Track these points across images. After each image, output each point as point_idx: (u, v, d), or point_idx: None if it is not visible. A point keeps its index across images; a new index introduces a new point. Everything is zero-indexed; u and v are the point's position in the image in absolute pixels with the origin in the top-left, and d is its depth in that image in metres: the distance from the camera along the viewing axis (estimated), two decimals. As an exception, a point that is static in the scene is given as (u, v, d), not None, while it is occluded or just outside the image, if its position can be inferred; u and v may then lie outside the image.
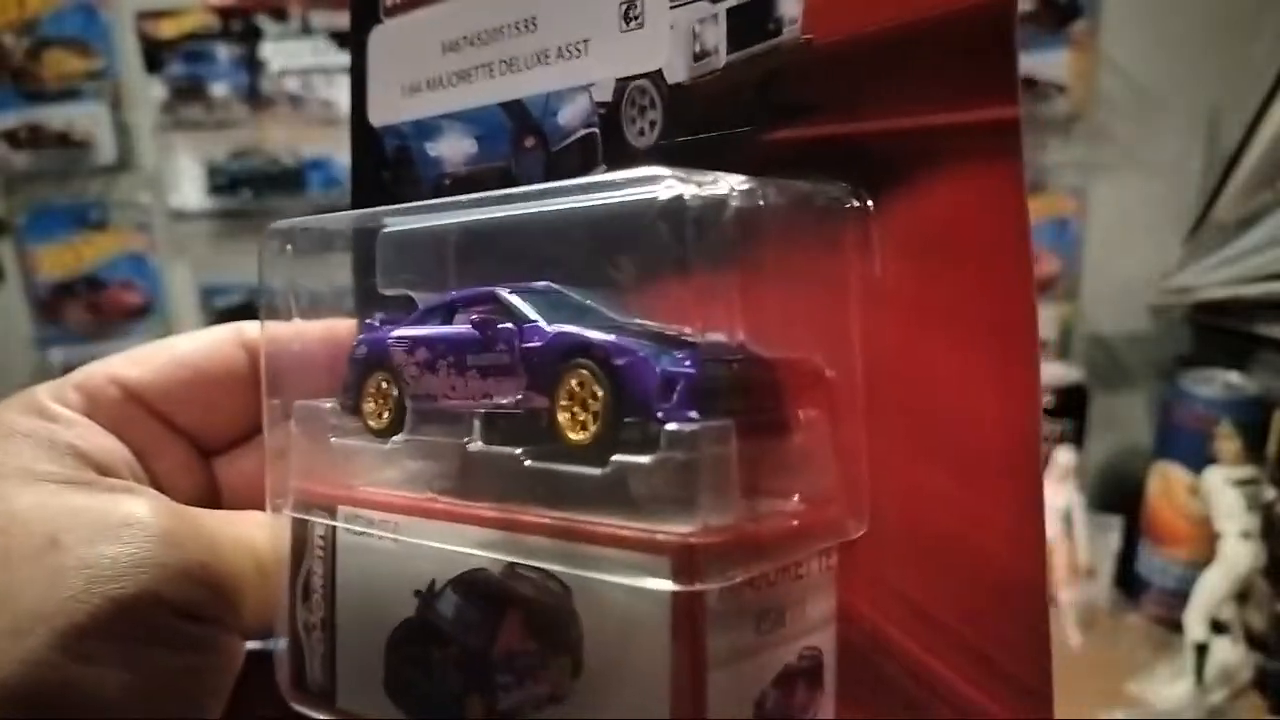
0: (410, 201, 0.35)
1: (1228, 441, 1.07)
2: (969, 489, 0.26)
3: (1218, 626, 1.03)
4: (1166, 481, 1.19)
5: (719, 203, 0.25)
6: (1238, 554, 1.03)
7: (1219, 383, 1.17)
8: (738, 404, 0.26)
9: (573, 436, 0.27)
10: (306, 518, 0.33)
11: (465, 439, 0.30)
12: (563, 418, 0.27)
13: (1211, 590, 1.03)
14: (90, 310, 1.69)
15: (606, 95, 0.32)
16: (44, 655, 0.25)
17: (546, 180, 0.33)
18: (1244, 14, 1.27)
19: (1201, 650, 1.03)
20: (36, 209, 1.67)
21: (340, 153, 1.57)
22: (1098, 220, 1.42)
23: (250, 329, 0.36)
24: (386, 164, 0.38)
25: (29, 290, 1.70)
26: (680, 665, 0.24)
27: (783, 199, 0.27)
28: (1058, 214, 1.43)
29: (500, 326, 0.29)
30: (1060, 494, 1.17)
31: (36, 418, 0.32)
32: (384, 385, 0.33)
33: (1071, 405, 1.28)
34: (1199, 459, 1.11)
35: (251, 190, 1.62)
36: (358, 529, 0.31)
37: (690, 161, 0.28)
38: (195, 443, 0.36)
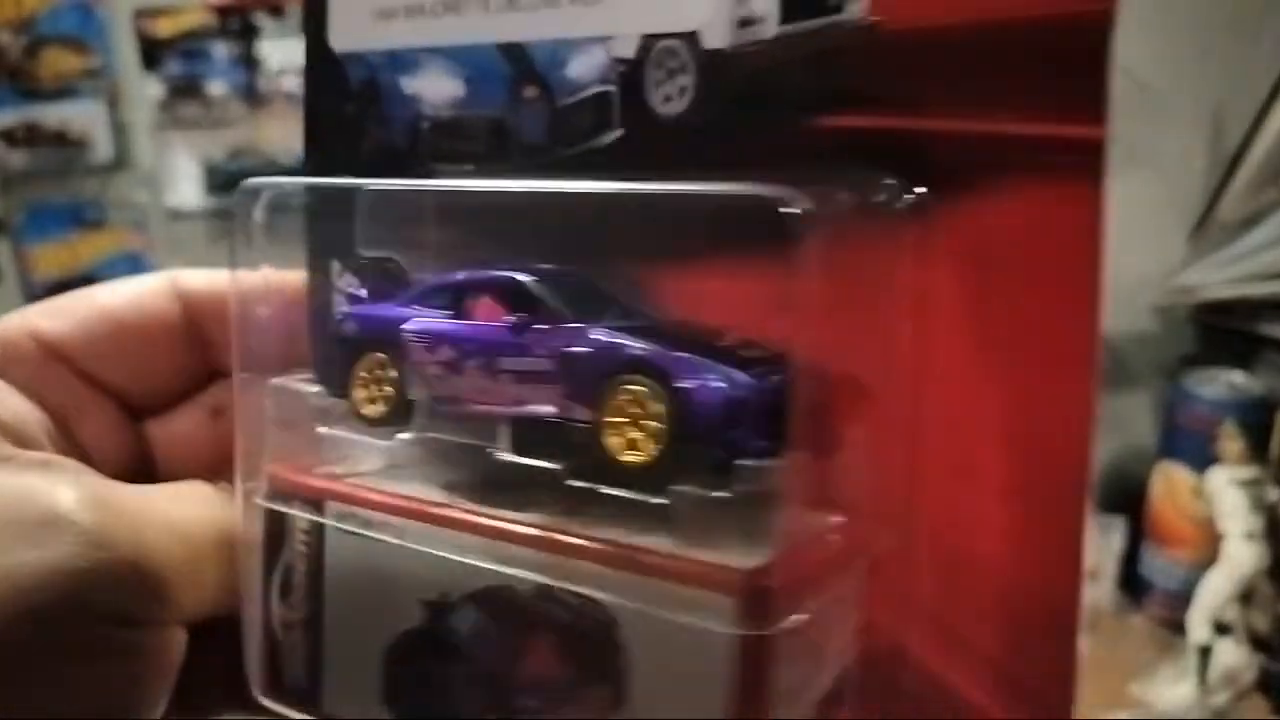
0: (373, 137, 0.32)
1: (1232, 442, 1.06)
2: (1010, 511, 0.24)
3: (1221, 628, 1.03)
4: (1170, 482, 1.19)
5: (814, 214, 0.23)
6: (1241, 555, 1.02)
7: (1223, 383, 1.16)
8: (793, 426, 0.24)
9: (624, 457, 0.26)
10: (285, 510, 0.31)
11: (489, 445, 0.28)
12: (612, 436, 0.26)
13: (1215, 591, 1.03)
14: (87, 310, 1.68)
15: (628, 52, 0.29)
16: None
17: (547, 135, 0.30)
18: (1247, 12, 1.27)
19: (1205, 652, 1.02)
20: (33, 208, 1.66)
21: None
22: (1100, 219, 1.41)
23: (188, 279, 0.33)
24: (349, 95, 0.34)
25: (25, 289, 1.69)
26: (743, 707, 0.23)
27: (845, 201, 0.25)
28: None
29: (538, 329, 0.27)
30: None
31: None
32: (380, 371, 0.30)
33: (1074, 405, 1.27)
34: (1203, 460, 1.10)
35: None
36: (352, 528, 0.29)
37: (727, 137, 0.27)
38: (123, 404, 0.33)
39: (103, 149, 1.63)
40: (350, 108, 0.34)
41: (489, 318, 0.29)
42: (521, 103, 0.31)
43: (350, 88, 0.34)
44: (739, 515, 0.24)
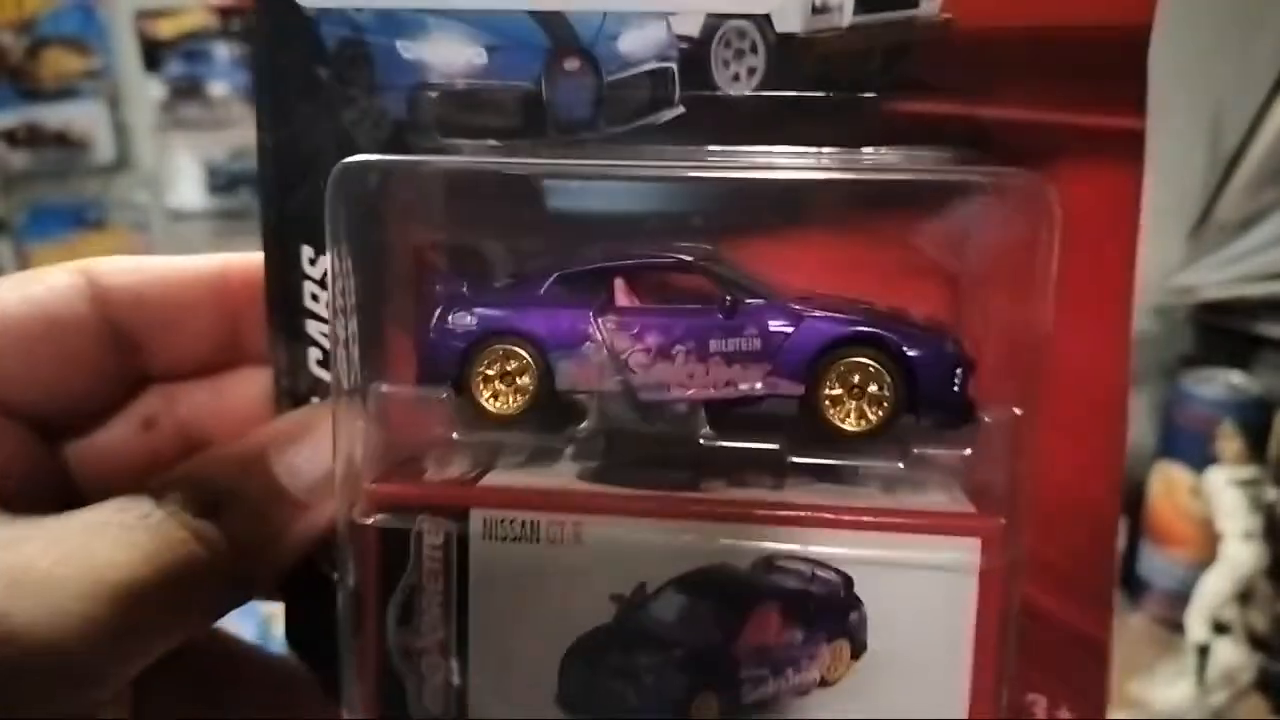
0: (356, 106, 0.29)
1: (1230, 442, 1.06)
2: (1070, 439, 0.28)
3: (1219, 627, 1.03)
4: (1168, 482, 1.19)
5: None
6: (1240, 555, 1.02)
7: (1221, 383, 1.16)
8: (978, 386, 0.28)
9: (848, 427, 0.28)
10: (405, 526, 0.28)
11: (690, 431, 0.28)
12: (835, 408, 0.28)
13: (1213, 591, 1.03)
14: (89, 310, 1.68)
15: (692, 30, 0.28)
16: None
17: (593, 110, 0.29)
18: (1246, 12, 1.27)
19: (1203, 651, 1.03)
20: (34, 208, 1.66)
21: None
22: (1099, 219, 1.41)
23: (104, 271, 0.29)
24: (324, 59, 0.30)
25: (27, 290, 1.69)
26: (993, 633, 0.26)
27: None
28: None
29: (748, 309, 0.28)
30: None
31: None
32: (511, 365, 0.29)
33: (1073, 405, 1.28)
34: (1201, 459, 1.10)
35: (251, 190, 1.61)
36: (512, 534, 0.28)
37: (797, 117, 0.28)
38: (33, 426, 0.28)
39: (104, 150, 1.63)
40: (325, 73, 0.30)
41: (630, 302, 0.29)
42: (561, 75, 0.29)
43: (325, 49, 0.30)
44: (988, 470, 0.27)
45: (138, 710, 0.26)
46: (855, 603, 0.27)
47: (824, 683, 0.28)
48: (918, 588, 0.27)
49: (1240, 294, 1.16)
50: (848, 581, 0.27)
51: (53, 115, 1.63)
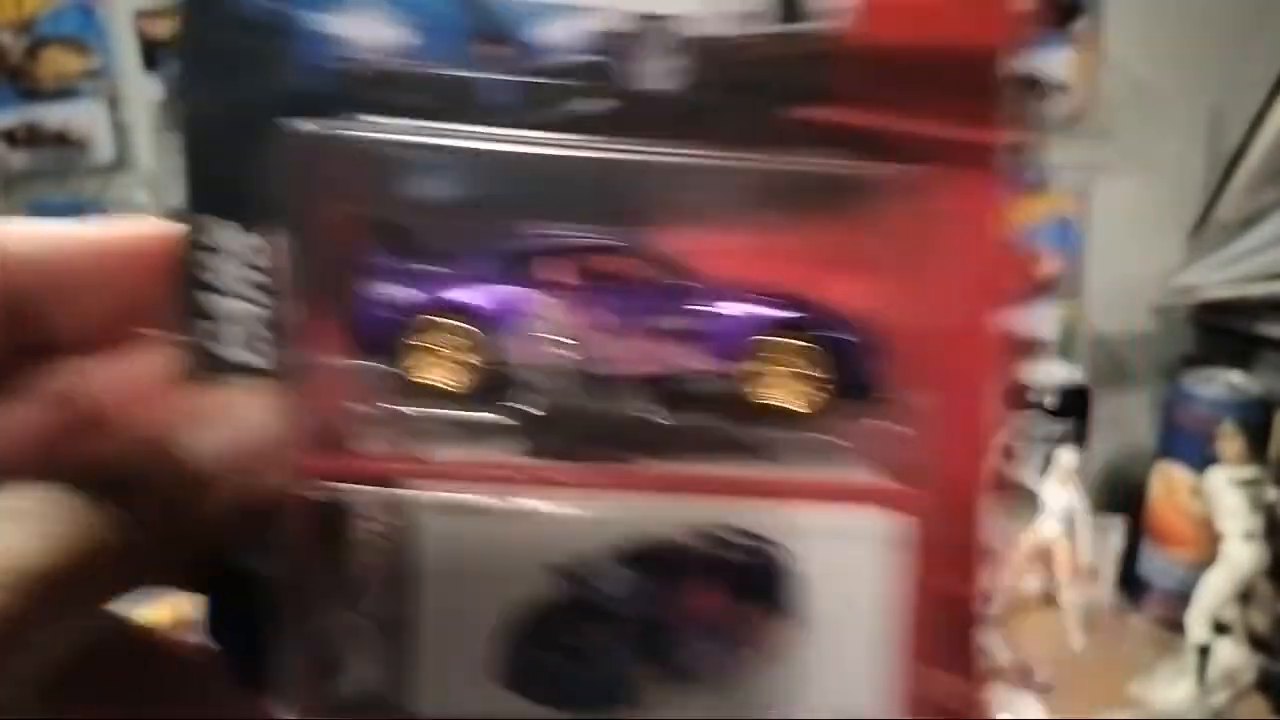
0: (276, 80, 0.28)
1: (1230, 442, 1.06)
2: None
3: (1220, 628, 1.03)
4: (1169, 482, 1.19)
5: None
6: (1240, 555, 1.02)
7: (1222, 383, 1.16)
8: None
9: (786, 406, 0.29)
10: (339, 501, 0.28)
11: (643, 408, 0.29)
12: (771, 388, 0.29)
13: (1214, 591, 1.03)
14: (88, 310, 1.69)
15: (615, 24, 0.29)
16: None
17: (515, 96, 0.29)
18: (1246, 12, 1.27)
19: (1204, 651, 1.03)
20: (34, 208, 1.66)
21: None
22: (1100, 220, 1.41)
23: (2, 236, 0.27)
24: (244, 28, 0.29)
25: (27, 290, 1.69)
26: (927, 605, 0.27)
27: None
28: (1060, 214, 1.42)
29: (688, 291, 0.30)
30: (1062, 495, 1.17)
31: None
32: (454, 339, 0.29)
33: (1074, 405, 1.28)
34: (1202, 459, 1.10)
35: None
36: (454, 509, 0.28)
37: (709, 119, 0.29)
38: None
39: (103, 150, 1.63)
40: (245, 42, 0.29)
41: (571, 280, 0.30)
42: (482, 61, 0.29)
43: (245, 18, 0.29)
44: (903, 447, 0.28)
45: (46, 714, 0.24)
46: (785, 572, 0.28)
47: (759, 652, 0.29)
48: (849, 558, 0.28)
49: (1240, 294, 1.16)
50: (781, 552, 0.28)
51: (52, 115, 1.63)
